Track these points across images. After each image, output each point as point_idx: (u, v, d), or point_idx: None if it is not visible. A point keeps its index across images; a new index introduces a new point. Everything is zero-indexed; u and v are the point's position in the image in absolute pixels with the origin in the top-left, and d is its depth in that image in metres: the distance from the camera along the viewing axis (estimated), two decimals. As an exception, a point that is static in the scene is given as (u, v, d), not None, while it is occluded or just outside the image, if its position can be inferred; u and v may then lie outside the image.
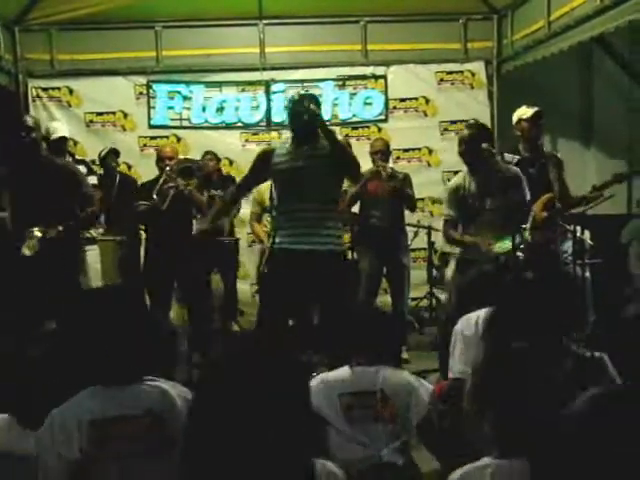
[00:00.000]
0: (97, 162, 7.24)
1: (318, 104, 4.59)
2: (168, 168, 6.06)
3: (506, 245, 4.94)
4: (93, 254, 6.19)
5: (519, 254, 4.84)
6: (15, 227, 4.98)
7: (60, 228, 4.87)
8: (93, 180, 6.28)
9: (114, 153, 7.73)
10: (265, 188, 6.85)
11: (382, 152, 6.68)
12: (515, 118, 5.64)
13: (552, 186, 5.50)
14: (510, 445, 2.08)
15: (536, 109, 5.54)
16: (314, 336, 4.66)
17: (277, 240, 4.60)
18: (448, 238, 5.41)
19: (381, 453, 3.09)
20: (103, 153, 7.51)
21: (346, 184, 5.31)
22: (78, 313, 2.62)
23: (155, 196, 5.94)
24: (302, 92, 4.74)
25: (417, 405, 3.18)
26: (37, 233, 4.81)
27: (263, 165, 4.67)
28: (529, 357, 2.32)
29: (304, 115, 4.50)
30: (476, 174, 5.10)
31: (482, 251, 4.95)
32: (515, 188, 5.13)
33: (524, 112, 5.58)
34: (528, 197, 5.18)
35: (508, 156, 5.64)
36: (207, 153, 7.54)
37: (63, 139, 6.60)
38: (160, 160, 6.46)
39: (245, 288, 7.64)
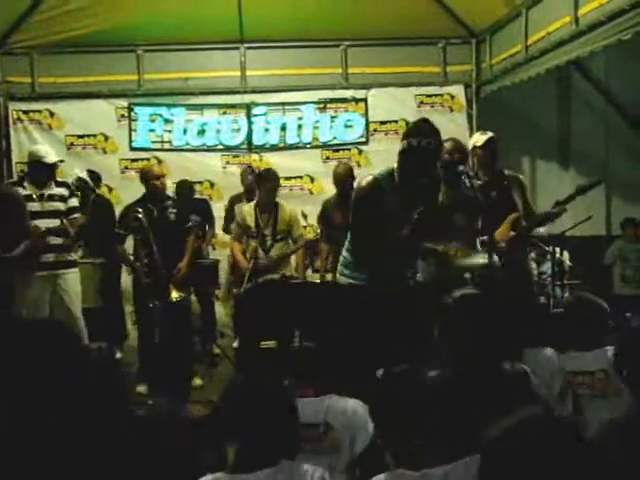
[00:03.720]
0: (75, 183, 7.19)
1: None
2: None
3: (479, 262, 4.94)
4: (74, 277, 6.15)
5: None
6: None
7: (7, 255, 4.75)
8: (74, 202, 6.23)
9: (94, 176, 7.66)
10: (247, 211, 6.83)
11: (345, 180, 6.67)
12: (469, 145, 5.63)
13: (517, 207, 5.47)
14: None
15: (488, 136, 5.50)
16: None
17: (362, 276, 4.40)
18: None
19: None
20: (81, 176, 7.42)
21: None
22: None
23: None
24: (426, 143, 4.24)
25: (360, 434, 3.08)
26: None
27: (378, 200, 4.29)
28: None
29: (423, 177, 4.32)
30: (450, 189, 5.07)
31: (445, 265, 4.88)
32: (477, 213, 5.11)
33: (477, 139, 5.54)
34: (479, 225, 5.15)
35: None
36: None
37: (58, 163, 6.46)
38: (150, 178, 6.48)
39: (224, 310, 7.62)
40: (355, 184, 4.49)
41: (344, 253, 4.56)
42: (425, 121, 4.41)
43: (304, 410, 3.08)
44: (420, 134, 4.24)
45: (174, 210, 6.60)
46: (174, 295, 6.30)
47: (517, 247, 5.44)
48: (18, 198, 5.39)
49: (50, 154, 6.12)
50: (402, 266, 4.46)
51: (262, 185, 6.73)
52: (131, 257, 6.56)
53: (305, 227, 7.31)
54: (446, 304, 3.11)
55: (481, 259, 4.88)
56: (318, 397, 3.21)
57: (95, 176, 7.68)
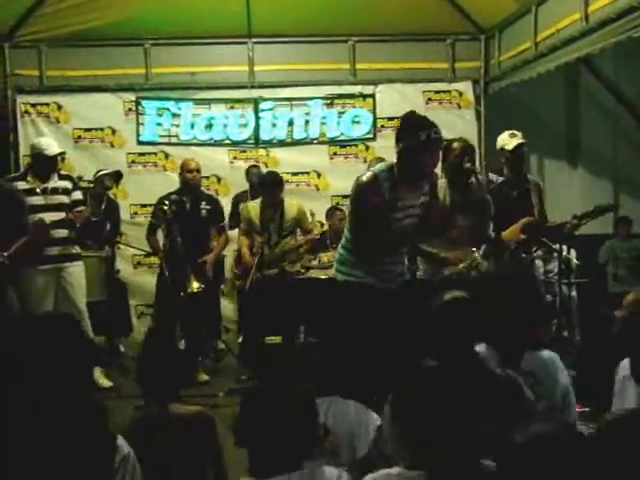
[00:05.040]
0: (84, 178, 7.19)
1: None
2: None
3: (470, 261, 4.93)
4: (78, 270, 6.15)
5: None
6: None
7: (5, 254, 4.78)
8: (78, 195, 6.22)
9: (116, 177, 7.59)
10: (252, 206, 6.85)
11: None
12: (498, 145, 5.64)
13: (533, 210, 5.49)
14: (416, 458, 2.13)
15: (518, 142, 5.52)
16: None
17: (359, 273, 4.37)
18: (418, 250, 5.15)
19: None
20: (102, 174, 7.35)
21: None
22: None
23: None
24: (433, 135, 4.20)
25: (361, 438, 3.03)
26: None
27: (378, 196, 4.25)
28: (436, 376, 2.33)
29: (429, 172, 4.31)
30: (454, 188, 5.05)
31: (444, 267, 4.88)
32: (486, 213, 5.08)
33: (507, 142, 5.55)
34: (491, 227, 5.12)
35: (492, 176, 5.64)
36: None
37: (59, 155, 6.44)
38: (184, 171, 6.74)
39: (229, 305, 7.60)
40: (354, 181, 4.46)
41: (340, 250, 4.54)
42: (415, 113, 4.41)
43: None
44: (425, 126, 4.20)
45: (207, 207, 6.76)
46: (195, 286, 6.38)
47: (524, 250, 5.44)
48: (14, 195, 5.36)
49: (52, 146, 6.09)
50: (399, 262, 4.46)
51: (265, 190, 6.78)
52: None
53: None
54: (436, 306, 3.10)
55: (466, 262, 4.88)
56: (320, 397, 3.04)
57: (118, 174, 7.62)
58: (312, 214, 7.12)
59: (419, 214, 4.33)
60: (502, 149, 5.59)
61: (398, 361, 3.93)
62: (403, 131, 4.29)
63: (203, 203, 6.79)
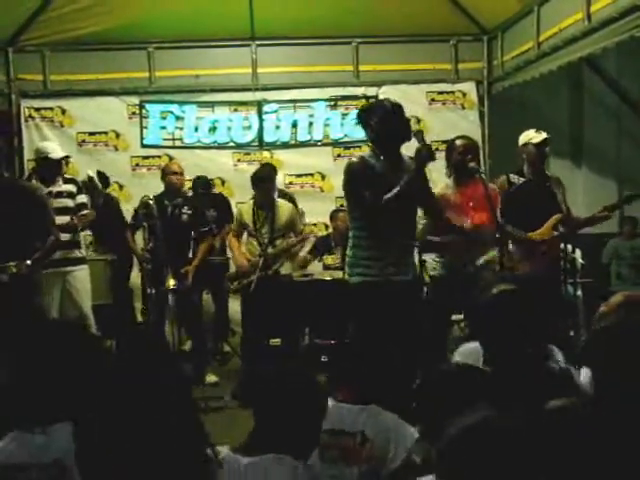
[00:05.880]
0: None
1: None
2: None
3: (491, 255, 4.96)
4: (83, 274, 6.15)
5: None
6: None
7: (29, 262, 4.74)
8: (83, 199, 6.21)
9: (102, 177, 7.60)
10: (246, 209, 6.80)
11: None
12: (522, 141, 5.61)
13: (560, 206, 5.48)
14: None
15: (544, 136, 5.53)
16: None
17: (372, 272, 4.40)
18: (427, 242, 5.25)
19: None
20: (91, 175, 7.35)
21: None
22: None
23: None
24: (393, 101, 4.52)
25: (397, 451, 2.99)
26: (13, 269, 4.67)
27: (369, 173, 4.38)
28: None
29: (409, 129, 4.46)
30: (462, 186, 5.06)
31: (461, 260, 4.91)
32: (495, 205, 5.09)
33: (532, 137, 5.53)
34: (499, 218, 5.13)
35: (514, 177, 5.62)
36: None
37: (64, 159, 6.43)
38: (167, 174, 6.67)
39: (236, 307, 7.60)
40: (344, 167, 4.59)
41: (349, 252, 4.58)
42: (363, 104, 4.77)
43: (342, 417, 3.03)
44: (384, 100, 4.59)
45: (189, 211, 6.62)
46: (171, 282, 6.25)
47: (557, 247, 5.45)
48: (37, 192, 5.33)
49: (57, 150, 6.11)
50: (408, 249, 4.53)
51: (257, 186, 6.65)
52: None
53: (304, 225, 7.27)
54: (483, 301, 3.08)
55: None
56: (358, 404, 3.07)
57: (103, 176, 7.61)
58: (302, 212, 7.05)
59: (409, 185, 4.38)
60: (526, 144, 5.54)
61: (418, 360, 3.96)
62: (368, 117, 4.45)
63: (185, 208, 6.62)
